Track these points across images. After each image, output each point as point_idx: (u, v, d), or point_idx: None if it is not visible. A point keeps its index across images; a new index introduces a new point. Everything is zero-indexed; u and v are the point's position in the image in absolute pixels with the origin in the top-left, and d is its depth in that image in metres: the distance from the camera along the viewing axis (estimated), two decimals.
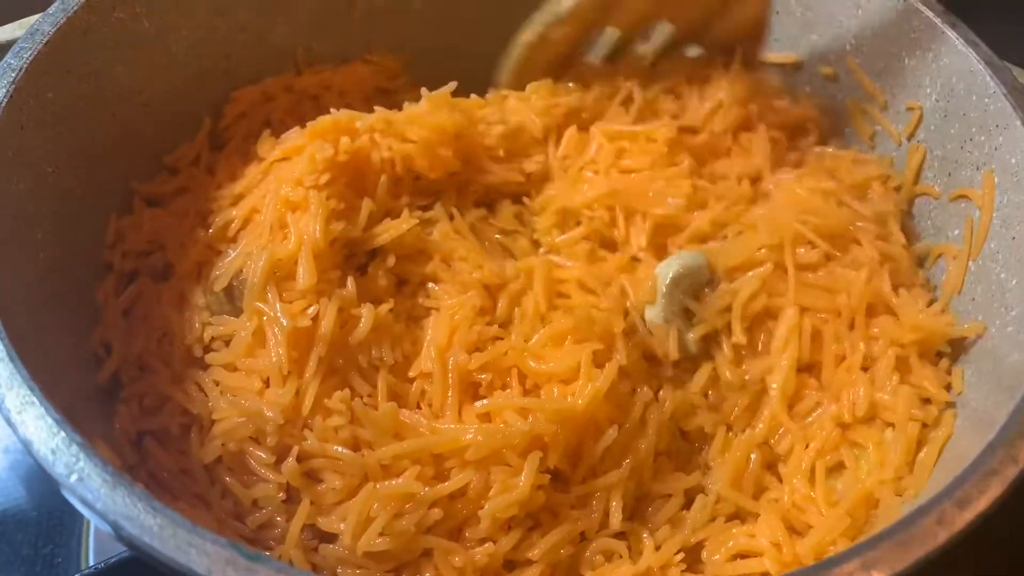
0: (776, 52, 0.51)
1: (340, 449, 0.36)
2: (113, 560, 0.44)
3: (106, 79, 0.43)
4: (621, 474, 0.36)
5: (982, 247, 0.41)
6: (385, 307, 0.39)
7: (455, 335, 0.38)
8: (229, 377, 0.38)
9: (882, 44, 0.47)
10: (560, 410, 0.36)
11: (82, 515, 0.30)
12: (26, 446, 0.29)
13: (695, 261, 0.41)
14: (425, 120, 0.43)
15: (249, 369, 0.38)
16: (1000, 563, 0.44)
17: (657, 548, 0.36)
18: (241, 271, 0.40)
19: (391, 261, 0.41)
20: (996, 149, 0.41)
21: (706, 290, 0.41)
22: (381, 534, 0.33)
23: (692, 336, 0.41)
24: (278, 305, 0.37)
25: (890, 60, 0.47)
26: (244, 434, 0.36)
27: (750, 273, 0.41)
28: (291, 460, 0.35)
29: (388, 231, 0.41)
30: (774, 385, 0.39)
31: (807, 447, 0.38)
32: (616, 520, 0.36)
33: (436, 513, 0.34)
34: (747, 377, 0.40)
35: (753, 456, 0.38)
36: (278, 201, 0.40)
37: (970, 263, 0.41)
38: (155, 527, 0.27)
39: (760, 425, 0.39)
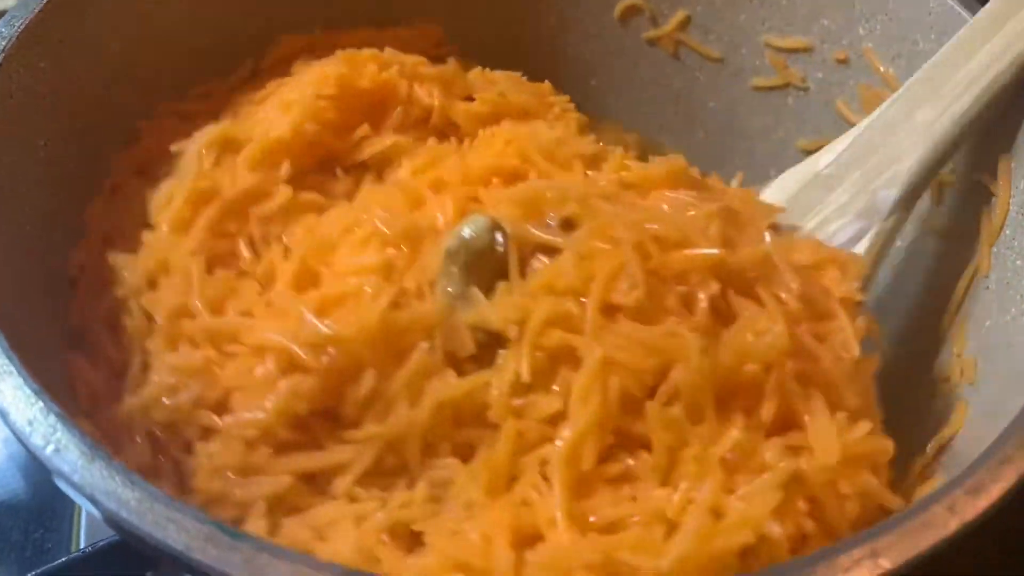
0: (786, 37, 0.50)
1: None
2: (101, 544, 0.43)
3: (102, 52, 0.42)
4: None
5: (998, 235, 0.39)
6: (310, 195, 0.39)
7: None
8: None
9: (896, 29, 0.46)
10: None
11: (73, 501, 0.29)
12: (3, 416, 0.28)
13: (478, 230, 0.32)
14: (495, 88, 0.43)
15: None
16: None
17: None
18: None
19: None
20: (1014, 134, 0.39)
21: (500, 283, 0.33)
22: None
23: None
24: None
25: (904, 44, 0.46)
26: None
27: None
28: None
29: (372, 146, 0.41)
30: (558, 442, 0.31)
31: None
32: None
33: None
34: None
35: None
36: (276, 103, 0.40)
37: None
38: (132, 501, 0.26)
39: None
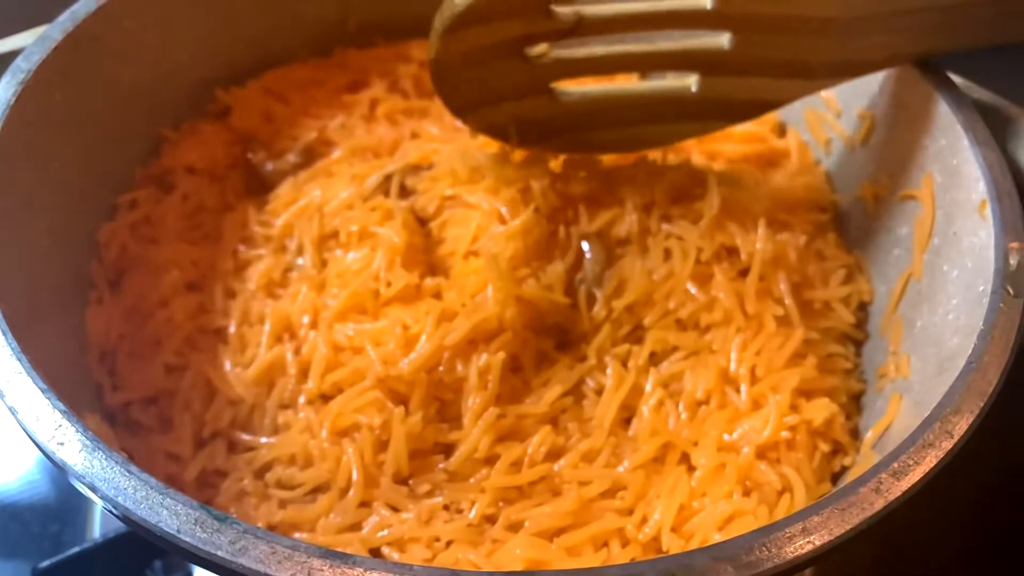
0: None
1: None
2: (111, 535, 0.43)
3: (113, 84, 0.43)
4: None
5: (927, 243, 0.40)
6: None
7: None
8: None
9: None
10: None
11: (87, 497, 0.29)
12: (12, 413, 0.29)
13: None
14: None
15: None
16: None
17: None
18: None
19: None
20: (939, 151, 0.40)
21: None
22: None
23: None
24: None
25: None
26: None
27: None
28: None
29: None
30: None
31: None
32: None
33: None
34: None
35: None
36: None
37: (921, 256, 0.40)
38: (129, 488, 0.27)
39: None
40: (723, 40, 0.40)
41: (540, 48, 0.40)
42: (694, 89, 0.41)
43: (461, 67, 0.39)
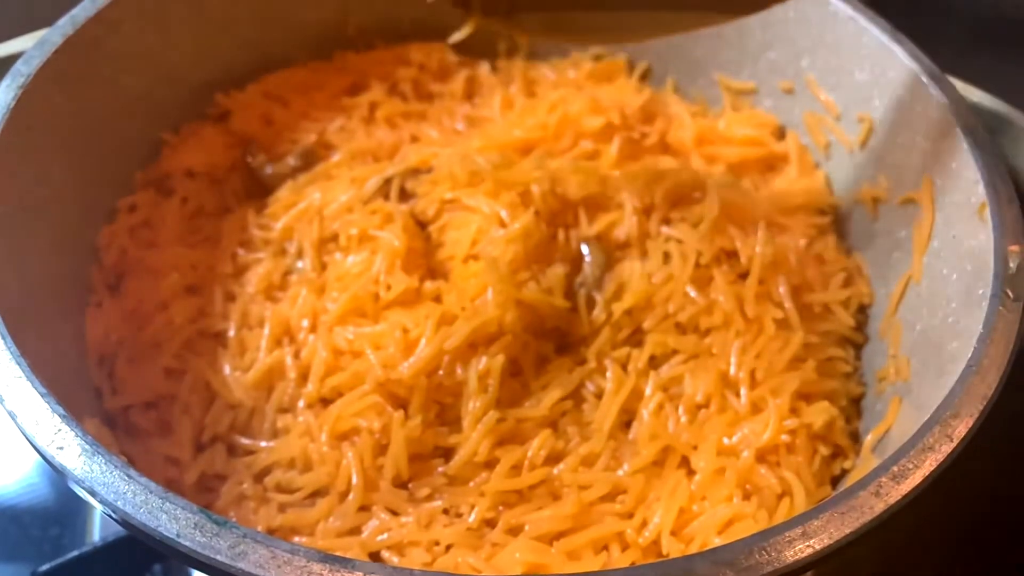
0: (737, 79, 0.51)
1: None
2: (111, 539, 0.43)
3: (113, 87, 0.43)
4: None
5: (927, 246, 0.40)
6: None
7: None
8: None
9: (835, 61, 0.47)
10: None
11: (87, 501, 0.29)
12: (12, 417, 0.29)
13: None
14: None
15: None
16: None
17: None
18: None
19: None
20: (939, 154, 0.40)
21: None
22: None
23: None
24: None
25: (842, 75, 0.47)
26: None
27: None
28: None
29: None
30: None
31: None
32: None
33: None
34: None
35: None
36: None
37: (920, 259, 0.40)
38: (128, 493, 0.27)
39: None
40: None
41: None
42: None
43: None
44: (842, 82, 0.47)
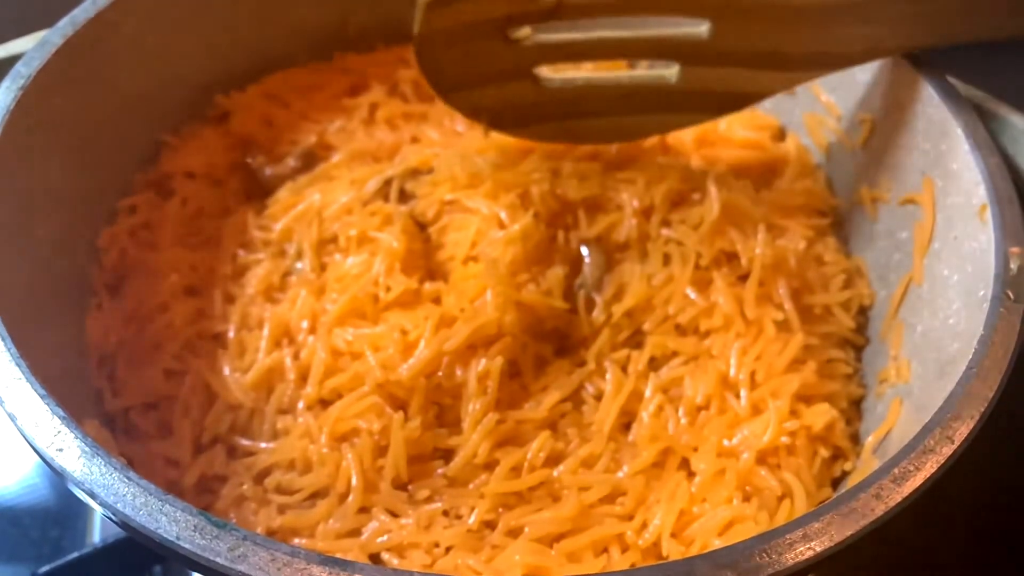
0: None
1: None
2: (111, 541, 0.43)
3: (113, 89, 0.43)
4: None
5: (927, 247, 0.40)
6: None
7: None
8: None
9: None
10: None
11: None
12: (12, 419, 0.29)
13: None
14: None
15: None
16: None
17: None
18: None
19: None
20: (939, 155, 0.40)
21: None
22: None
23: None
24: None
25: (843, 76, 0.46)
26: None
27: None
28: None
29: None
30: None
31: None
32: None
33: None
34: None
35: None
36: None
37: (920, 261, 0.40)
38: (128, 495, 0.27)
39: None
40: (702, 29, 0.40)
41: (523, 31, 0.40)
42: (675, 79, 0.41)
43: (444, 45, 0.39)
44: (843, 83, 0.47)
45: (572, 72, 0.44)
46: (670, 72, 0.42)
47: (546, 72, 0.42)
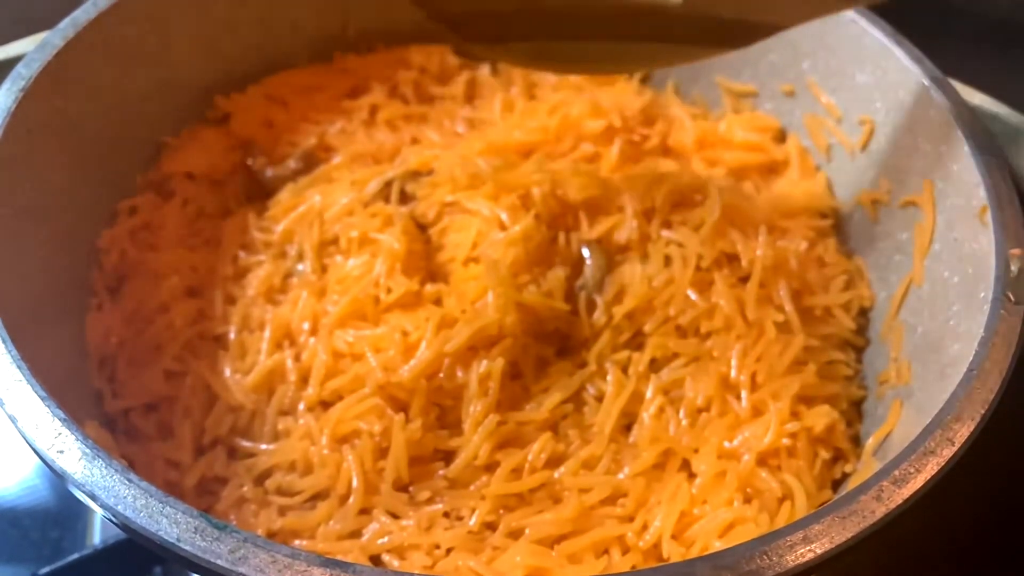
0: (737, 81, 0.51)
1: None
2: (111, 542, 0.43)
3: (114, 90, 0.43)
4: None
5: (928, 249, 0.40)
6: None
7: None
8: None
9: (836, 63, 0.47)
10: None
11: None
12: (12, 421, 0.29)
13: None
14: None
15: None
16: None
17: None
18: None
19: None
20: (940, 157, 0.40)
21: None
22: None
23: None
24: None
25: (843, 78, 0.47)
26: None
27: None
28: None
29: None
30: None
31: None
32: None
33: None
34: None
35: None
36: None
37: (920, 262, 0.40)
38: (129, 497, 0.27)
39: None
40: None
41: None
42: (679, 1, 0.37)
43: None
44: (843, 84, 0.47)
45: None
46: None
47: None
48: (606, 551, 0.35)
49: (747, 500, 0.36)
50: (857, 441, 0.40)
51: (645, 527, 0.35)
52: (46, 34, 0.40)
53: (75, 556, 0.43)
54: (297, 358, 0.39)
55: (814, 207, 0.47)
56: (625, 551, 0.35)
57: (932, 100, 0.41)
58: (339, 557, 0.31)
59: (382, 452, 0.36)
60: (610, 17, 0.38)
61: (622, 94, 0.50)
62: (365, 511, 0.36)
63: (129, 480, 0.27)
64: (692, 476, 0.37)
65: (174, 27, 0.45)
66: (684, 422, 0.38)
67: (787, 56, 0.49)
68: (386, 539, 0.35)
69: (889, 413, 0.37)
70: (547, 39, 0.39)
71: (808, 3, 0.38)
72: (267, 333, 0.40)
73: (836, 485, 0.38)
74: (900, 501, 0.27)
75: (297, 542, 0.35)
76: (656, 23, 0.38)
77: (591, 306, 0.40)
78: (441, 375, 0.38)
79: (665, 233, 0.42)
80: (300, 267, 0.43)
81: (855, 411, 0.41)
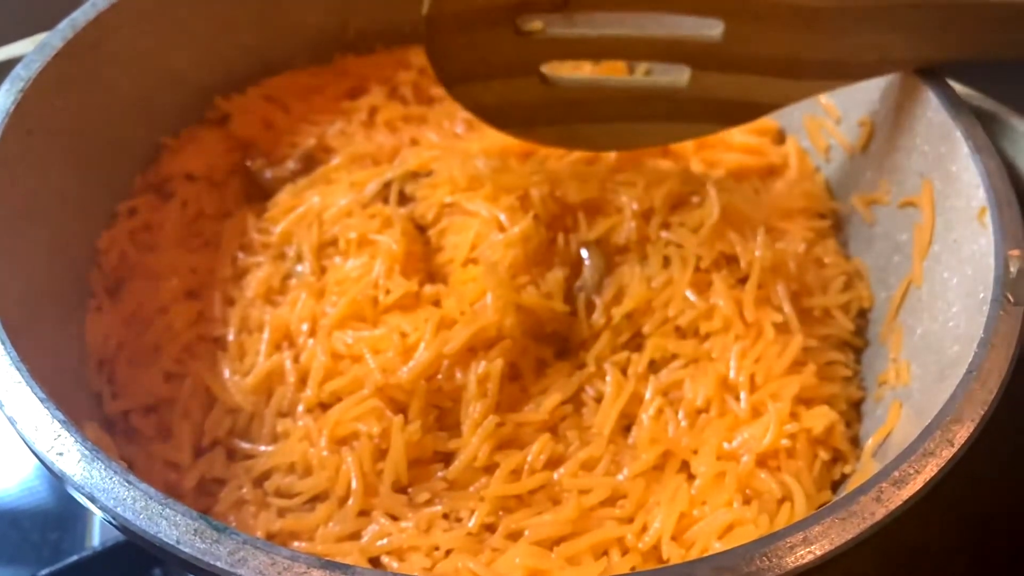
0: None
1: None
2: (110, 544, 0.43)
3: (113, 91, 0.43)
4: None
5: (927, 250, 0.40)
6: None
7: None
8: None
9: None
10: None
11: None
12: (11, 423, 0.29)
13: None
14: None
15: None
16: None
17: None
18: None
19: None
20: (939, 158, 0.40)
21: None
22: None
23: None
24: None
25: None
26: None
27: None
28: None
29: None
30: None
31: None
32: None
33: None
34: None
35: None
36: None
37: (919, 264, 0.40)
38: (128, 499, 0.27)
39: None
40: (715, 31, 0.39)
41: (534, 24, 0.40)
42: (686, 85, 0.41)
43: (454, 29, 0.39)
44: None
45: (579, 74, 0.43)
46: (681, 77, 0.41)
47: (554, 72, 0.42)
48: (605, 552, 0.35)
49: (746, 501, 0.36)
50: (856, 442, 0.40)
51: (644, 528, 0.35)
52: (45, 35, 0.40)
53: (74, 558, 0.43)
54: (296, 359, 0.39)
55: (813, 208, 0.47)
56: (624, 552, 0.35)
57: (931, 101, 0.41)
58: (338, 559, 0.31)
59: (381, 454, 0.36)
60: (626, 100, 0.42)
61: None
62: (364, 513, 0.36)
63: (128, 482, 0.27)
64: (691, 477, 0.37)
65: (173, 28, 0.45)
66: (683, 423, 0.38)
67: None
68: (385, 541, 0.35)
69: (888, 414, 0.37)
70: (572, 123, 0.43)
71: (805, 85, 0.41)
72: (266, 334, 0.40)
73: (835, 486, 0.38)
74: (900, 502, 0.27)
75: (296, 544, 0.35)
76: (668, 104, 0.42)
77: (590, 307, 0.40)
78: (440, 376, 0.38)
79: (664, 234, 0.42)
80: (299, 268, 0.43)
81: (854, 412, 0.41)
